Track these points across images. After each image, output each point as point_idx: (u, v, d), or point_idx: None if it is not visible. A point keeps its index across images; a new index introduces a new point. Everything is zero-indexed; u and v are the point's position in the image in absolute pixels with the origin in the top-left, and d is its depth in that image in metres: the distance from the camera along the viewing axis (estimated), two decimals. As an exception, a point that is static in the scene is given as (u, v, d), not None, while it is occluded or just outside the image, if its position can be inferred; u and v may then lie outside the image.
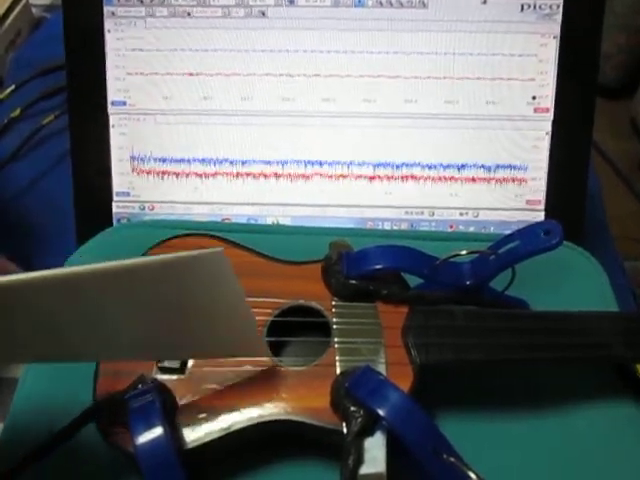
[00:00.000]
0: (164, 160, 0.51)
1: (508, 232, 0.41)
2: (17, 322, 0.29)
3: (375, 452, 0.33)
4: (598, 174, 0.62)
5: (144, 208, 0.52)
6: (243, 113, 0.50)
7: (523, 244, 0.39)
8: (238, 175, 0.51)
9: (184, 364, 0.37)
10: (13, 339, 0.30)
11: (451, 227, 0.51)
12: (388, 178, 0.51)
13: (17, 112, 0.62)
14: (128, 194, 0.52)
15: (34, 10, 0.76)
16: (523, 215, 0.51)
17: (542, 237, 0.39)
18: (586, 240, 0.50)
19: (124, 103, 0.51)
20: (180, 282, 0.32)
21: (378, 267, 0.40)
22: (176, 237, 0.44)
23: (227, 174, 0.51)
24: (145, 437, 0.32)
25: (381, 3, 0.49)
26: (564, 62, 0.49)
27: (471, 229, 0.51)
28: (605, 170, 0.65)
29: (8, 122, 0.62)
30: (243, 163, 0.51)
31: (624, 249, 0.61)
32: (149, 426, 0.33)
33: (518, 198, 0.51)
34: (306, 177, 0.51)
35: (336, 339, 0.38)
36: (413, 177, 0.51)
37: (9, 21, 0.71)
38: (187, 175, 0.51)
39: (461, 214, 0.51)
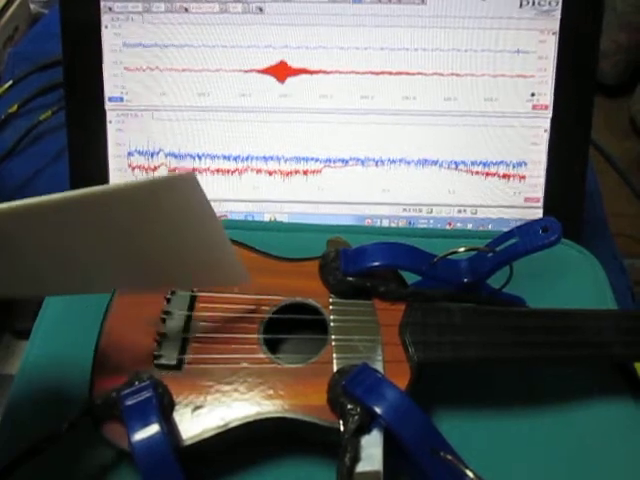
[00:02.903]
0: (161, 156, 0.51)
1: (506, 229, 0.41)
2: None
3: (372, 450, 0.33)
4: (597, 172, 0.62)
5: (141, 204, 0.52)
6: (240, 109, 0.50)
7: (521, 241, 0.39)
8: (235, 171, 0.51)
9: (181, 361, 0.37)
10: None
11: (449, 224, 0.51)
12: (386, 175, 0.51)
13: (14, 108, 0.62)
14: (125, 190, 0.51)
15: (32, 6, 0.76)
16: (521, 212, 0.51)
17: (540, 234, 0.39)
18: (585, 238, 0.50)
19: (121, 99, 0.51)
20: (154, 206, 0.31)
21: (375, 264, 0.40)
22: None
23: (224, 170, 0.51)
24: (142, 434, 0.32)
25: (379, -1, 0.49)
26: (563, 59, 0.49)
27: (469, 226, 0.51)
28: (604, 168, 0.64)
29: (5, 118, 0.62)
30: (240, 159, 0.51)
31: (623, 247, 0.61)
32: (146, 423, 0.32)
33: (516, 195, 0.51)
34: (303, 174, 0.51)
35: (333, 336, 0.38)
36: (411, 174, 0.50)
37: (7, 17, 0.71)
38: (184, 171, 0.51)
39: (459, 211, 0.51)
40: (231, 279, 0.38)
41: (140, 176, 0.51)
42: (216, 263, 0.36)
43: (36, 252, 0.30)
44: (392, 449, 0.33)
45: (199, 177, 0.50)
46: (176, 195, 0.32)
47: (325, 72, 0.50)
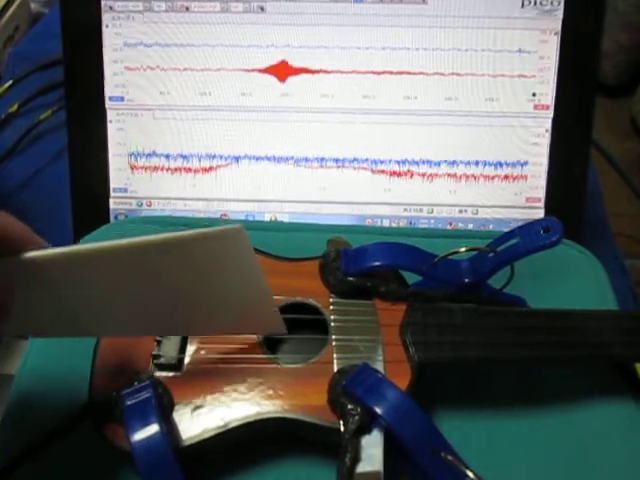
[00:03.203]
0: (162, 156, 0.51)
1: (507, 230, 0.41)
2: (34, 295, 0.30)
3: (372, 450, 0.33)
4: (598, 172, 0.62)
5: (141, 204, 0.52)
6: (241, 109, 0.50)
7: (522, 241, 0.39)
8: (236, 171, 0.51)
9: (181, 361, 0.37)
10: (29, 311, 0.31)
11: (450, 224, 0.51)
12: (387, 175, 0.50)
13: (14, 107, 0.62)
14: (125, 190, 0.51)
15: (32, 5, 0.76)
16: (523, 213, 0.51)
17: (541, 234, 0.39)
18: (586, 238, 0.50)
19: (122, 98, 0.51)
20: (199, 259, 0.32)
21: (376, 264, 0.40)
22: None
23: (225, 170, 0.51)
24: (141, 434, 0.32)
25: (381, -1, 0.49)
26: (565, 59, 0.49)
27: (470, 226, 0.51)
28: (604, 168, 0.64)
29: (5, 117, 0.62)
30: (241, 159, 0.51)
31: (623, 247, 0.61)
32: (145, 423, 0.32)
33: (518, 195, 0.51)
34: (304, 173, 0.51)
35: (334, 336, 0.38)
36: (412, 174, 0.50)
37: (7, 16, 0.71)
38: (185, 171, 0.51)
39: (460, 211, 0.51)
40: (269, 329, 0.38)
41: (140, 176, 0.51)
42: (256, 313, 0.36)
43: (78, 297, 0.31)
44: (392, 449, 0.33)
45: (199, 176, 0.51)
46: (224, 246, 0.32)
47: (326, 72, 0.50)
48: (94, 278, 0.30)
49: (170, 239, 0.30)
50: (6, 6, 0.71)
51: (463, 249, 0.40)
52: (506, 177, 0.50)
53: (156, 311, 0.34)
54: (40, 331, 0.35)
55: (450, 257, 0.41)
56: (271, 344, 0.39)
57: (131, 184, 0.51)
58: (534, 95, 0.49)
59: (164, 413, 0.34)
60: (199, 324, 0.36)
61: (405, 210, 0.51)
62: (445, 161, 0.50)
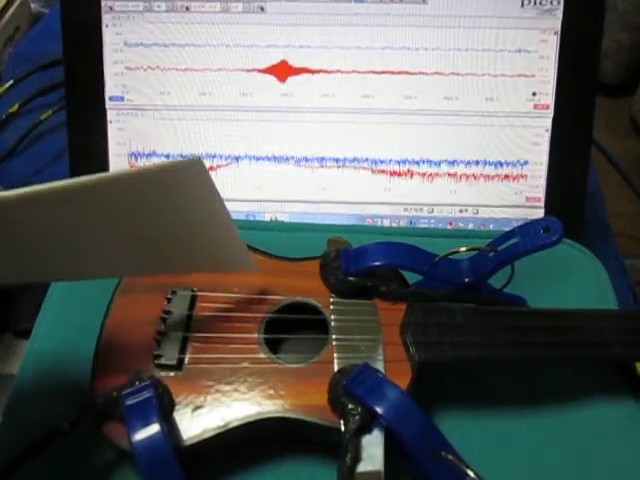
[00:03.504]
0: (162, 156, 0.51)
1: (507, 229, 0.41)
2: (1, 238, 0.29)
3: (373, 450, 0.33)
4: (598, 172, 0.62)
5: (142, 204, 0.52)
6: (241, 109, 0.50)
7: (523, 241, 0.39)
8: (236, 171, 0.51)
9: (181, 361, 0.37)
10: None
11: (450, 224, 0.51)
12: (387, 174, 0.50)
13: (15, 107, 0.62)
14: (126, 190, 0.51)
15: (32, 5, 0.76)
16: (523, 212, 0.51)
17: (542, 234, 0.39)
18: (586, 238, 0.50)
19: (122, 98, 0.51)
20: (159, 193, 0.31)
21: (376, 264, 0.40)
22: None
23: (225, 170, 0.51)
24: (142, 434, 0.32)
25: (381, -2, 0.49)
26: (565, 58, 0.49)
27: (470, 226, 0.51)
28: (605, 168, 0.64)
29: (6, 117, 0.62)
30: (241, 159, 0.51)
31: (624, 247, 0.61)
32: (146, 423, 0.32)
33: (518, 195, 0.51)
34: (304, 173, 0.51)
35: (334, 336, 0.38)
36: (412, 174, 0.50)
37: (7, 16, 0.71)
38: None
39: (460, 211, 0.51)
40: (237, 264, 0.37)
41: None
42: (222, 247, 0.36)
43: (39, 238, 0.30)
44: (393, 449, 0.33)
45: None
46: (183, 180, 0.31)
47: (326, 71, 0.50)
48: (55, 218, 0.29)
49: (128, 173, 0.30)
50: (6, 6, 0.71)
51: (463, 249, 0.40)
52: (506, 177, 0.50)
53: (123, 251, 0.33)
54: (6, 277, 0.33)
55: (450, 257, 0.41)
56: (272, 344, 0.39)
57: (131, 184, 0.51)
58: (534, 95, 0.49)
59: (165, 413, 0.34)
60: (167, 262, 0.35)
61: (405, 210, 0.51)
62: (445, 161, 0.50)
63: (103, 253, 0.33)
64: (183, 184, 0.32)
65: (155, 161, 0.51)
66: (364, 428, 0.33)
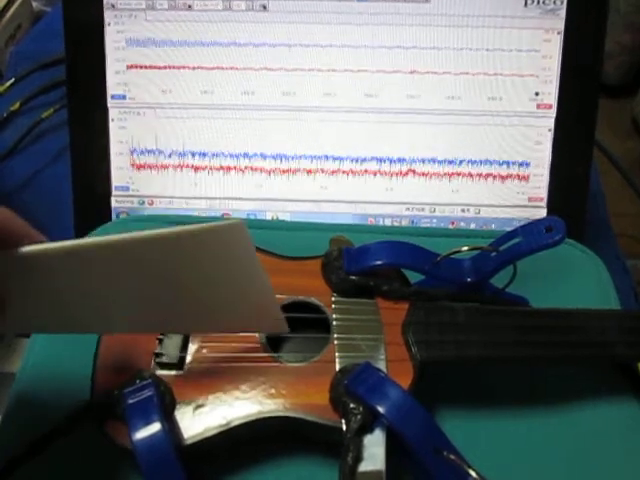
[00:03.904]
0: (163, 154, 0.51)
1: (510, 229, 0.41)
2: (32, 291, 0.30)
3: (374, 449, 0.33)
4: (600, 173, 0.62)
5: (143, 203, 0.52)
6: (243, 107, 0.50)
7: (525, 241, 0.39)
8: (238, 170, 0.51)
9: (182, 360, 0.37)
10: (27, 307, 0.31)
11: (452, 224, 0.51)
12: (389, 174, 0.50)
13: (16, 106, 0.62)
14: (127, 188, 0.51)
15: (34, 4, 0.76)
16: (525, 212, 0.51)
17: (544, 234, 0.39)
18: (588, 238, 0.50)
19: (124, 97, 0.51)
20: (198, 255, 0.31)
21: (378, 263, 0.40)
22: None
23: (227, 169, 0.51)
24: (143, 433, 0.32)
25: (384, -3, 0.49)
26: (568, 58, 0.49)
27: (472, 226, 0.51)
28: (606, 169, 0.64)
29: (7, 116, 0.62)
30: (243, 158, 0.51)
31: (625, 247, 0.61)
32: (147, 422, 0.32)
33: (520, 195, 0.51)
34: (306, 172, 0.51)
35: (336, 335, 0.38)
36: (414, 173, 0.50)
37: (9, 15, 0.71)
38: (186, 170, 0.51)
39: (462, 211, 0.51)
40: (271, 327, 0.38)
41: (142, 174, 0.51)
42: (258, 311, 0.36)
43: (76, 292, 0.31)
44: (395, 448, 0.33)
45: (200, 175, 0.50)
46: (224, 242, 0.32)
47: (329, 70, 0.49)
48: (92, 273, 0.30)
49: (169, 234, 0.30)
50: (8, 5, 0.71)
51: (465, 248, 0.40)
52: (508, 176, 0.50)
53: (155, 308, 0.33)
54: (38, 328, 0.35)
55: (452, 256, 0.41)
56: (273, 343, 0.39)
57: (133, 183, 0.51)
58: (537, 94, 0.49)
59: (166, 412, 0.34)
60: (199, 322, 0.36)
61: (407, 209, 0.51)
62: (447, 160, 0.50)
63: (135, 310, 0.33)
64: (223, 245, 0.32)
65: (157, 158, 0.51)
66: (366, 427, 0.33)
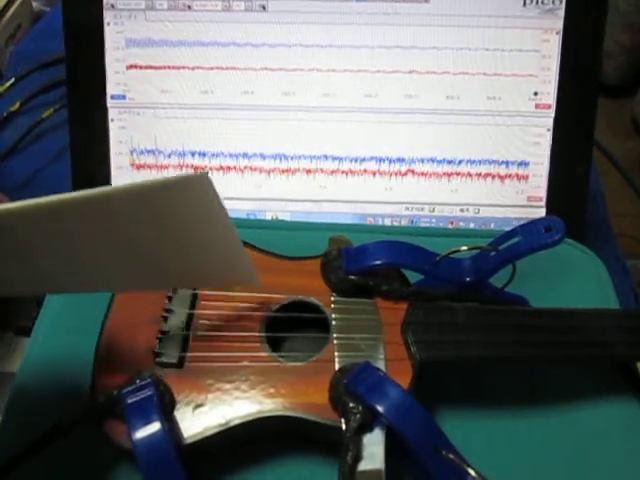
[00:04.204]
0: (163, 154, 0.51)
1: (509, 229, 0.41)
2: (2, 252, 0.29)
3: (374, 448, 0.33)
4: (599, 173, 0.62)
5: (143, 202, 0.52)
6: (243, 107, 0.50)
7: (524, 240, 0.39)
8: (237, 169, 0.51)
9: (182, 359, 0.37)
10: None
11: (451, 224, 0.51)
12: (388, 174, 0.50)
13: (16, 106, 0.62)
14: (127, 188, 0.51)
15: (34, 4, 0.76)
16: (524, 212, 0.51)
17: (543, 233, 0.39)
18: (588, 238, 0.50)
19: (123, 97, 0.51)
20: (164, 207, 0.31)
21: (378, 263, 0.40)
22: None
23: (226, 168, 0.51)
24: (143, 432, 0.32)
25: (383, -3, 0.49)
26: (566, 58, 0.49)
27: (471, 225, 0.51)
28: (606, 169, 0.64)
29: (7, 116, 0.62)
30: (242, 157, 0.51)
31: (625, 247, 0.61)
32: (147, 421, 0.32)
33: (519, 195, 0.51)
34: (306, 172, 0.51)
35: (335, 335, 0.38)
36: (414, 173, 0.50)
37: (9, 14, 0.71)
38: (186, 169, 0.51)
39: (462, 210, 0.51)
40: (240, 278, 0.38)
41: (143, 174, 0.51)
42: (227, 262, 0.36)
43: (43, 251, 0.30)
44: (394, 448, 0.33)
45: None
46: (189, 194, 0.31)
47: (328, 70, 0.49)
48: (58, 231, 0.29)
49: (132, 187, 0.29)
50: (8, 4, 0.71)
51: (465, 248, 0.40)
52: (507, 176, 0.50)
53: (121, 265, 0.33)
54: (7, 289, 0.33)
55: (452, 256, 0.40)
56: (273, 342, 0.39)
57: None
58: (536, 94, 0.49)
59: (165, 411, 0.34)
60: (168, 276, 0.35)
61: (406, 209, 0.51)
62: (446, 160, 0.50)
63: (104, 267, 0.33)
64: (188, 198, 0.31)
65: (156, 158, 0.51)
66: (365, 427, 0.33)
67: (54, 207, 0.28)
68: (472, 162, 0.50)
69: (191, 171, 0.31)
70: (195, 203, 0.32)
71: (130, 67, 0.50)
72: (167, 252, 0.33)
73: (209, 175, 0.31)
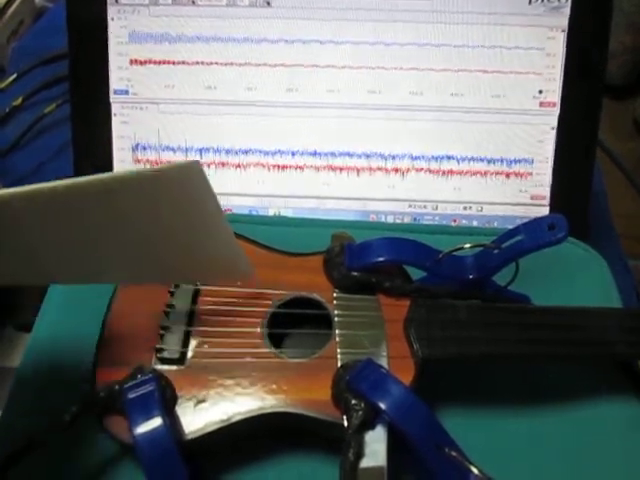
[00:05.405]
0: (166, 149, 0.51)
1: (512, 227, 0.41)
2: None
3: (376, 446, 0.33)
4: (603, 173, 0.62)
5: (145, 198, 0.51)
6: (246, 103, 0.50)
7: (528, 238, 0.39)
8: (240, 166, 0.51)
9: (183, 355, 0.37)
10: None
11: (454, 221, 0.51)
12: (391, 171, 0.50)
13: (19, 101, 0.62)
14: (129, 184, 0.51)
15: (36, 0, 0.76)
16: (527, 210, 0.51)
17: (547, 231, 0.39)
18: (590, 238, 0.49)
19: (126, 92, 0.50)
20: (158, 195, 0.31)
21: (380, 259, 0.40)
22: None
23: (229, 164, 0.51)
24: (144, 428, 0.32)
25: (387, -6, 0.49)
26: (571, 56, 0.49)
27: (474, 223, 0.51)
28: (609, 168, 0.64)
29: (10, 111, 0.62)
30: (245, 153, 0.51)
31: (629, 248, 0.61)
32: (148, 417, 0.32)
33: (522, 193, 0.50)
34: (309, 168, 0.50)
35: (337, 331, 0.38)
36: (417, 170, 0.50)
37: (11, 10, 0.71)
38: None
39: (465, 208, 0.51)
40: (235, 273, 0.37)
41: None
42: (220, 256, 0.35)
43: (38, 239, 0.30)
44: (396, 445, 0.33)
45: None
46: (181, 184, 0.31)
47: (332, 67, 0.49)
48: (49, 219, 0.29)
49: (124, 176, 0.29)
50: (10, 1, 0.71)
51: (468, 245, 0.40)
52: (511, 174, 0.50)
53: (113, 257, 0.32)
54: (7, 279, 0.33)
55: (454, 253, 0.40)
56: (275, 339, 0.38)
57: (135, 178, 0.51)
58: (540, 92, 0.49)
59: (167, 407, 0.34)
60: (160, 269, 0.35)
61: (409, 206, 0.51)
62: (450, 157, 0.50)
63: (99, 258, 0.32)
64: (180, 187, 0.31)
65: (159, 153, 0.51)
66: (367, 424, 0.33)
67: (47, 194, 0.28)
68: (475, 160, 0.50)
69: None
70: (187, 192, 0.32)
71: (133, 62, 0.50)
72: (158, 243, 0.33)
73: (200, 164, 0.31)
